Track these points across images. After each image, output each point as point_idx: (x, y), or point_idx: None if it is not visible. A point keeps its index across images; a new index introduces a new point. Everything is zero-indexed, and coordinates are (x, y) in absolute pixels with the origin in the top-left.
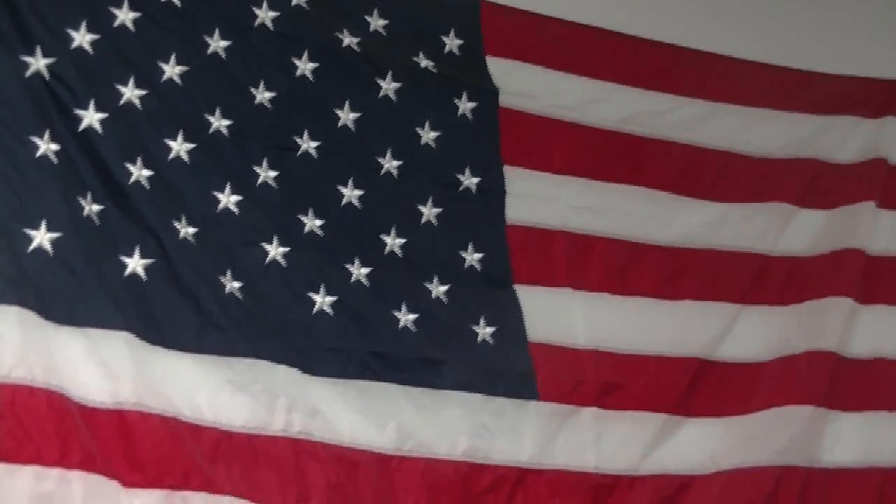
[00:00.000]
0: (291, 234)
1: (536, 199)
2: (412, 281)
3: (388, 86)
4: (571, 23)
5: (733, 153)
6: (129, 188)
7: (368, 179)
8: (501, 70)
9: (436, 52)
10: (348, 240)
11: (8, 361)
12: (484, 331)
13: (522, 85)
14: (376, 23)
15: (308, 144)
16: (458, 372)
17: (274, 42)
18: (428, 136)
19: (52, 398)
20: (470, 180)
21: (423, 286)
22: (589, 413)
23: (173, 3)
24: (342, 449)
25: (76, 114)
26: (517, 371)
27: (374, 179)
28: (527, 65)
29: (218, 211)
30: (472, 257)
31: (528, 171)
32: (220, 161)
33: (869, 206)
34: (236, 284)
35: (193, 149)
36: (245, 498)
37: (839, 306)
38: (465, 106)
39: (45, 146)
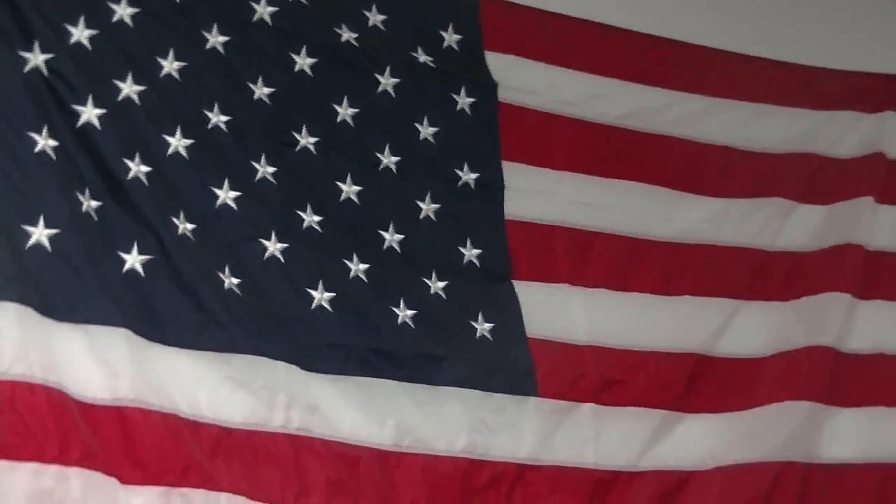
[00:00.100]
0: (290, 230)
1: (536, 194)
2: (411, 277)
3: (387, 81)
4: (572, 18)
5: (733, 149)
6: (128, 184)
7: (367, 175)
8: (501, 65)
9: (435, 47)
10: (347, 236)
11: (7, 358)
12: (482, 327)
13: (523, 80)
14: (375, 18)
15: (307, 140)
16: (457, 368)
17: (272, 38)
18: (427, 131)
19: (52, 395)
20: (469, 176)
21: (422, 282)
22: (588, 409)
23: None
24: (342, 445)
25: (74, 109)
26: (517, 367)
27: (372, 175)
28: (527, 60)
29: (217, 207)
30: (470, 253)
31: (528, 166)
32: (219, 157)
33: (868, 201)
34: (235, 280)
35: (192, 144)
36: (245, 494)
37: (838, 302)
38: (464, 101)
39: (44, 142)
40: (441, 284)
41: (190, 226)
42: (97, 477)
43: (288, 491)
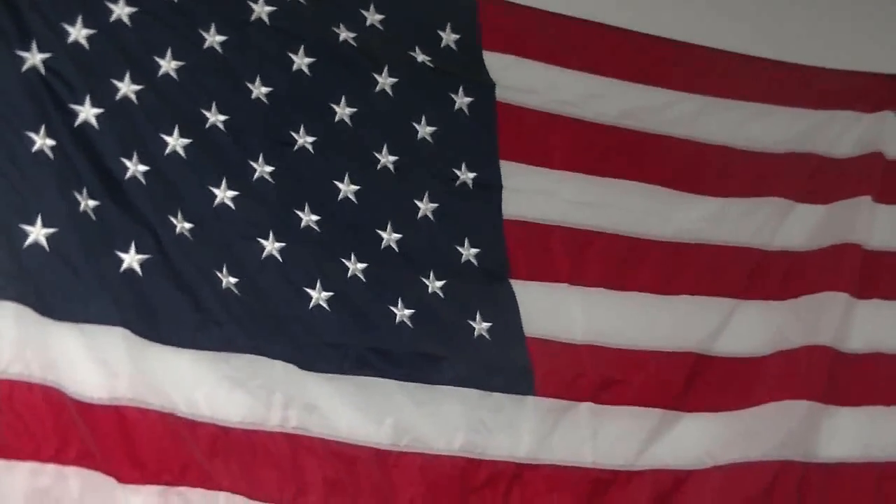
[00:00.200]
0: (288, 230)
1: (535, 194)
2: (409, 276)
3: (385, 81)
4: (570, 18)
5: (732, 148)
6: (126, 183)
7: (365, 174)
8: (500, 65)
9: (433, 47)
10: (345, 235)
11: (5, 357)
12: (480, 326)
13: (521, 80)
14: (373, 17)
15: (305, 139)
16: (455, 367)
17: (270, 37)
18: (424, 130)
19: (50, 394)
20: (467, 175)
21: (420, 281)
22: (586, 408)
23: None
24: (340, 444)
25: (72, 109)
26: (515, 366)
27: (370, 174)
28: (526, 60)
29: (215, 206)
30: (468, 252)
31: (526, 166)
32: (217, 156)
33: (866, 200)
34: (233, 280)
35: (190, 144)
36: (243, 494)
37: (837, 301)
38: (462, 101)
39: (41, 141)
40: (439, 284)
41: (188, 225)
42: (95, 476)
43: (286, 490)
